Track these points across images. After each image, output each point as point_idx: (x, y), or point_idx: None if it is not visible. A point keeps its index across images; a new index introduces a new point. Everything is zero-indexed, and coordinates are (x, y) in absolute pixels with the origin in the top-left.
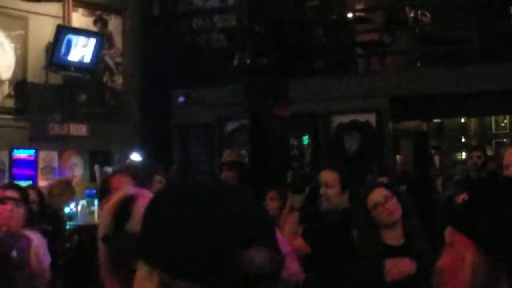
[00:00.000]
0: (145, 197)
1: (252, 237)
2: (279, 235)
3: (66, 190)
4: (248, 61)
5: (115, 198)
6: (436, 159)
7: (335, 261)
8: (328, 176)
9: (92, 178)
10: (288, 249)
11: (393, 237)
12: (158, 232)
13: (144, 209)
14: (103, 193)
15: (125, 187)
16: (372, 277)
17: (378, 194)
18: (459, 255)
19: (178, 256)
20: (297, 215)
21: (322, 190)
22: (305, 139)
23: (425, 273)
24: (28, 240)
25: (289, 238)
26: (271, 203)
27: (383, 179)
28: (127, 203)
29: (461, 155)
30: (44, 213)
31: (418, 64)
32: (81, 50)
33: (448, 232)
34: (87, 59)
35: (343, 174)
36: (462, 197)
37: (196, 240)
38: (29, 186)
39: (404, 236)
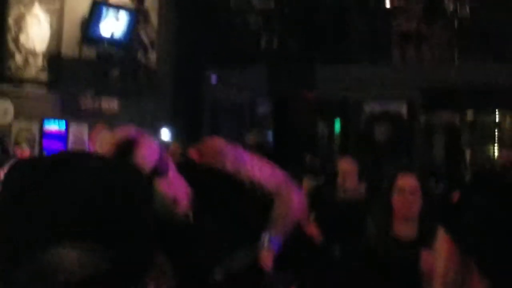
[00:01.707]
0: (148, 144)
1: (64, 230)
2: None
3: None
4: (275, 43)
5: (112, 137)
6: (468, 154)
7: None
8: (346, 166)
9: None
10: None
11: (407, 231)
12: None
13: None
14: None
15: (125, 128)
16: None
17: (407, 182)
18: (438, 250)
19: None
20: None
21: (339, 180)
22: (337, 126)
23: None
24: None
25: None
26: None
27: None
28: (127, 148)
29: (494, 152)
30: None
31: (455, 57)
32: (116, 25)
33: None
34: (122, 35)
35: (361, 164)
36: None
37: None
38: None
39: (419, 231)
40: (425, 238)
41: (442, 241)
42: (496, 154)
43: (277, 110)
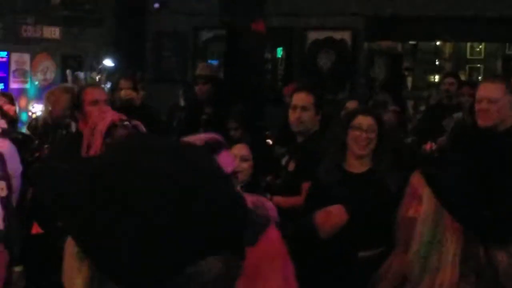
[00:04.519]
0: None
1: (210, 246)
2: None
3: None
4: None
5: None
6: (409, 80)
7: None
8: (304, 99)
9: (64, 82)
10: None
11: (358, 165)
12: (96, 222)
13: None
14: (76, 105)
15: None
16: (309, 236)
17: (364, 121)
18: (418, 205)
19: (116, 258)
20: None
21: (296, 114)
22: (279, 52)
23: (358, 214)
24: None
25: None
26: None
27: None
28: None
29: (434, 78)
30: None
31: None
32: None
33: (414, 180)
34: None
35: (318, 96)
36: (429, 146)
37: (138, 244)
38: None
39: (371, 162)
40: (377, 168)
41: (422, 187)
42: (436, 80)
43: (228, 40)
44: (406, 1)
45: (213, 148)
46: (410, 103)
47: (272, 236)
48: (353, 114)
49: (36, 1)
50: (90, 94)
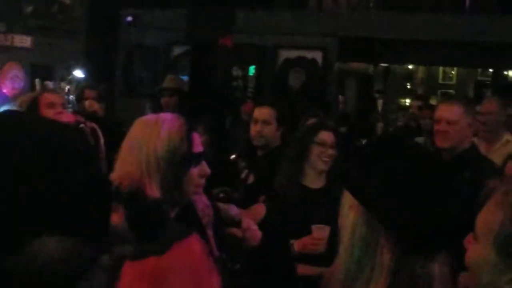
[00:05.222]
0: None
1: (44, 222)
2: None
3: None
4: None
5: None
6: (379, 103)
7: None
8: (265, 113)
9: (33, 91)
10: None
11: (315, 180)
12: None
13: None
14: (32, 108)
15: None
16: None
17: (328, 137)
18: (345, 214)
19: None
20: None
21: (257, 127)
22: (251, 70)
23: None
24: None
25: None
26: None
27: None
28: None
29: (405, 102)
30: None
31: (371, 6)
32: None
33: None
34: None
35: (279, 111)
36: None
37: None
38: None
39: (327, 178)
40: (334, 185)
41: (350, 203)
42: (407, 103)
43: (194, 55)
44: (379, 23)
45: (191, 126)
46: (380, 126)
47: (191, 249)
48: (315, 129)
49: (8, 9)
50: (47, 98)
